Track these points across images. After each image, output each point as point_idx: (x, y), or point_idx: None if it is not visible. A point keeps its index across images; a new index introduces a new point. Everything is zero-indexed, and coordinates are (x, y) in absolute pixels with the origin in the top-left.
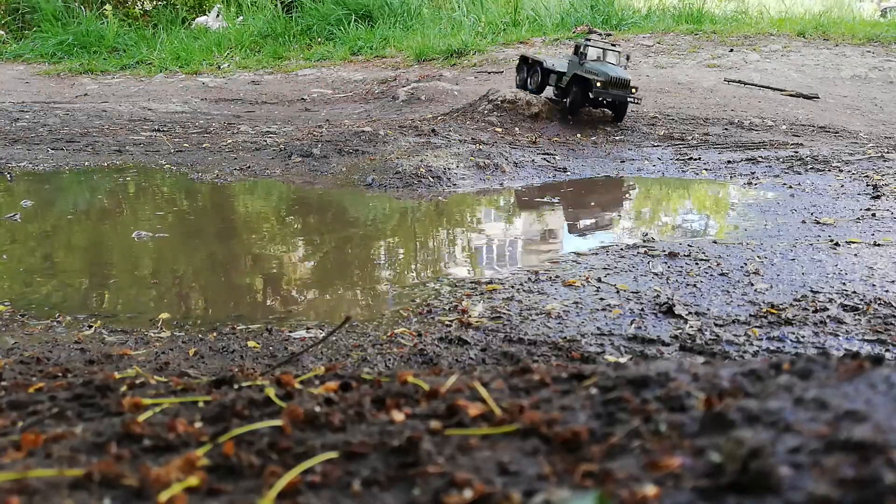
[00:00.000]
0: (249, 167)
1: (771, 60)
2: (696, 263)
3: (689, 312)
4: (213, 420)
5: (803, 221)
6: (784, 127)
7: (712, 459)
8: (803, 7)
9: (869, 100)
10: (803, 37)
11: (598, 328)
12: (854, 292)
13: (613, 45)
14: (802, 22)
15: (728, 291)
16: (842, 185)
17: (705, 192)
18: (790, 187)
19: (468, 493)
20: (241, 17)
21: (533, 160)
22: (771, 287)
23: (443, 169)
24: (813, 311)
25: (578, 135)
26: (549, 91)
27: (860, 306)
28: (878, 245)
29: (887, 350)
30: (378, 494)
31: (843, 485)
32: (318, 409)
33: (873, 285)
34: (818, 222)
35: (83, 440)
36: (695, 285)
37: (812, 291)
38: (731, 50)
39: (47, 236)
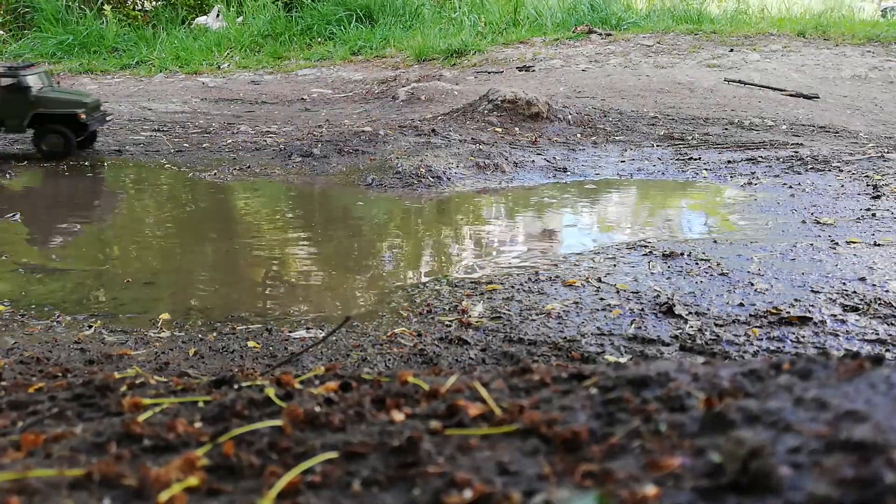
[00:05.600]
0: (249, 167)
1: (771, 60)
2: (697, 264)
3: (690, 312)
4: (213, 420)
5: (803, 221)
6: (784, 127)
7: (712, 459)
8: (803, 7)
9: (869, 100)
10: (803, 37)
11: (599, 328)
12: (854, 292)
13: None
14: (802, 22)
15: (728, 291)
16: (842, 185)
17: (705, 192)
18: (790, 187)
19: (468, 493)
20: (241, 17)
21: (533, 160)
22: (771, 287)
23: (443, 169)
24: (813, 311)
25: (578, 135)
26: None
27: (860, 306)
28: (879, 245)
29: (887, 350)
30: (378, 494)
31: (844, 485)
32: (318, 409)
33: (873, 285)
34: (818, 222)
35: (83, 440)
36: (695, 285)
37: (812, 291)
38: (732, 50)
39: (47, 236)
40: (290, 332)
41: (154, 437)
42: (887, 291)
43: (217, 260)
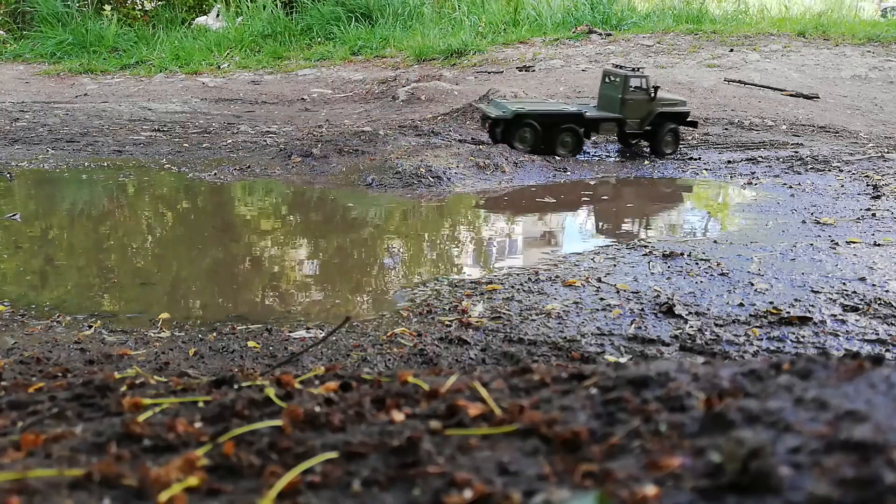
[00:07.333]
0: (249, 167)
1: (771, 60)
2: (697, 264)
3: (690, 312)
4: (213, 420)
5: (803, 221)
6: (784, 127)
7: (712, 459)
8: (803, 7)
9: (869, 100)
10: (803, 37)
11: (599, 328)
12: (854, 292)
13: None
14: (802, 22)
15: (728, 291)
16: (842, 185)
17: (705, 192)
18: (790, 187)
19: (468, 493)
20: (241, 17)
21: (533, 160)
22: (771, 287)
23: (443, 169)
24: (813, 311)
25: None
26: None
27: (860, 306)
28: (879, 245)
29: (887, 350)
30: (378, 494)
31: (843, 485)
32: (318, 409)
33: (873, 285)
34: (818, 222)
35: (83, 440)
36: (695, 285)
37: (812, 291)
38: (732, 50)
39: (48, 236)
40: (290, 332)
41: (154, 437)
42: (887, 291)
43: (217, 260)
